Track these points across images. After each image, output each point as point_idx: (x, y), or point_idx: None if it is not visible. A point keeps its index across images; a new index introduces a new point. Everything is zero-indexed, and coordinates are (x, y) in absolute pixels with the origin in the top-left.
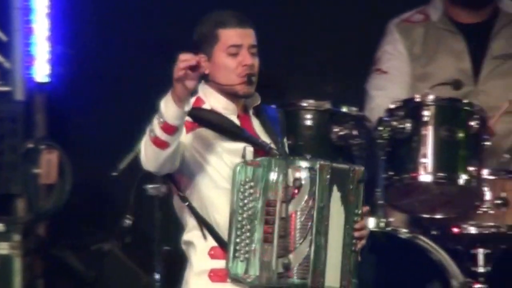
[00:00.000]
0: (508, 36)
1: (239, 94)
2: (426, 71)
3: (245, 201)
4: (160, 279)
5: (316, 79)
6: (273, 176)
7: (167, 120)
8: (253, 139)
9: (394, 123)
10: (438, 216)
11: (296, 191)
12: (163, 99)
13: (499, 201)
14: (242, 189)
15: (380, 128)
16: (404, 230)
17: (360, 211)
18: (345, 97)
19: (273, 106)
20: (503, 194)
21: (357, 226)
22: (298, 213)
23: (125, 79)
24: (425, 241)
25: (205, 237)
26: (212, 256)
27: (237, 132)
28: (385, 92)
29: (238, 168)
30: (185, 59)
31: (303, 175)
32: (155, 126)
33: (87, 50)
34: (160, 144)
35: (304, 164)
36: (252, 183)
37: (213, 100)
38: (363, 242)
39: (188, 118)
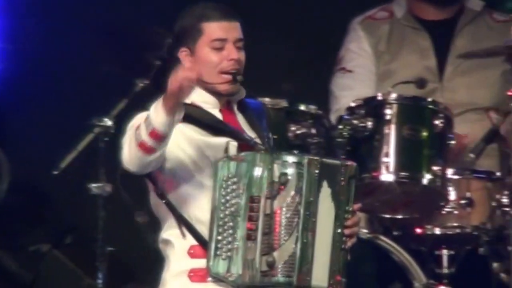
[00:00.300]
0: (472, 33)
1: (222, 94)
2: (390, 68)
3: (228, 197)
4: (103, 281)
5: (273, 76)
6: (257, 171)
7: (155, 127)
8: (236, 134)
9: (355, 121)
10: (400, 217)
11: (282, 186)
12: (153, 105)
13: (464, 201)
14: (224, 185)
15: (340, 126)
16: (365, 231)
17: (351, 208)
18: (305, 96)
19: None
20: (468, 194)
21: (348, 223)
22: (284, 209)
23: (66, 76)
24: (386, 241)
25: (184, 236)
26: (192, 255)
27: (220, 127)
28: (351, 92)
29: (221, 163)
30: (187, 77)
31: (290, 170)
32: (143, 131)
33: (26, 46)
34: (146, 149)
35: (291, 159)
36: (235, 179)
37: (194, 95)
38: (353, 240)
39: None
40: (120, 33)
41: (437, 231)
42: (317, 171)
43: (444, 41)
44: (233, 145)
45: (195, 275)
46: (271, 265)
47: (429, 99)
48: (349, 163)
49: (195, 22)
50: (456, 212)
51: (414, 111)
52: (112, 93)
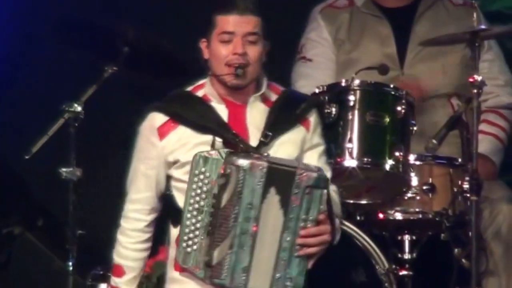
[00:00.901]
0: (431, 19)
1: (227, 85)
2: (351, 57)
3: (198, 191)
4: (73, 264)
5: None
6: (213, 169)
7: None
8: (220, 132)
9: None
10: (363, 202)
11: (222, 187)
12: None
13: (426, 187)
14: (196, 179)
15: None
16: None
17: (311, 217)
18: None
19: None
20: (430, 180)
21: (302, 232)
22: (227, 209)
23: (37, 63)
24: (349, 227)
25: (174, 225)
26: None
27: (205, 125)
28: (311, 81)
29: (197, 158)
30: None
31: (232, 172)
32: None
33: None
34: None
35: (239, 161)
36: (208, 173)
37: (207, 87)
38: (313, 250)
39: (164, 118)
40: (88, 19)
41: (399, 216)
42: (262, 178)
43: (404, 28)
44: (219, 141)
45: (177, 264)
46: (208, 265)
47: (392, 86)
48: (307, 173)
49: (212, 14)
50: (418, 197)
51: (377, 98)
52: (82, 80)
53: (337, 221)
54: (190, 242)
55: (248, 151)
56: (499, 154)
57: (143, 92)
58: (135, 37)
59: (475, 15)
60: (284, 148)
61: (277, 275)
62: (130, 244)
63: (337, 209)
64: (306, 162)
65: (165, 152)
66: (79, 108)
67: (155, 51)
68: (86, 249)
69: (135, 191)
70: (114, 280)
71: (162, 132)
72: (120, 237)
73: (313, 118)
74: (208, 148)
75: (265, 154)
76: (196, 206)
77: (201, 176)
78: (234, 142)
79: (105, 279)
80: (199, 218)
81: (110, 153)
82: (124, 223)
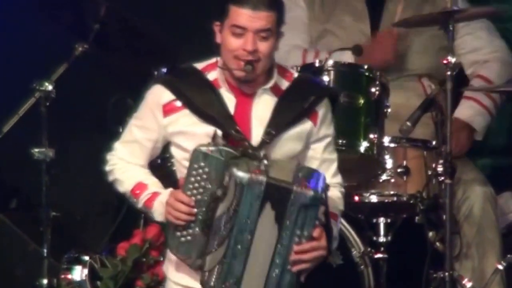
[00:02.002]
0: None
1: (235, 77)
2: (326, 28)
3: (196, 184)
4: (47, 246)
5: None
6: (212, 167)
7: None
8: (224, 125)
9: None
10: None
11: (223, 195)
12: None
13: (400, 170)
14: (194, 173)
15: None
16: None
17: (305, 233)
18: None
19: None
20: (405, 163)
21: (296, 248)
22: (224, 218)
23: (6, 40)
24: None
25: None
26: None
27: (210, 115)
28: (284, 39)
29: (196, 153)
30: (181, 216)
31: (231, 185)
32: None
33: None
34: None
35: (238, 174)
36: (206, 169)
37: (218, 72)
38: (306, 266)
39: (171, 96)
40: None
41: (374, 199)
42: (260, 193)
43: (378, 5)
44: (219, 133)
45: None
46: (201, 268)
47: (365, 66)
48: (303, 191)
49: (227, 2)
50: (392, 180)
51: (351, 78)
52: (53, 57)
53: (335, 230)
54: (184, 232)
55: (248, 150)
56: (480, 119)
57: (114, 70)
58: (107, 14)
59: None
60: (287, 143)
61: None
62: (126, 166)
63: (337, 210)
64: (309, 155)
65: (167, 131)
66: (50, 87)
67: (127, 28)
68: (60, 231)
69: (127, 153)
70: (140, 197)
71: (166, 110)
72: (114, 172)
73: (322, 110)
74: (209, 139)
75: (264, 161)
76: (193, 199)
77: (200, 171)
78: (236, 139)
79: (80, 262)
80: (195, 211)
81: (82, 132)
82: (110, 162)
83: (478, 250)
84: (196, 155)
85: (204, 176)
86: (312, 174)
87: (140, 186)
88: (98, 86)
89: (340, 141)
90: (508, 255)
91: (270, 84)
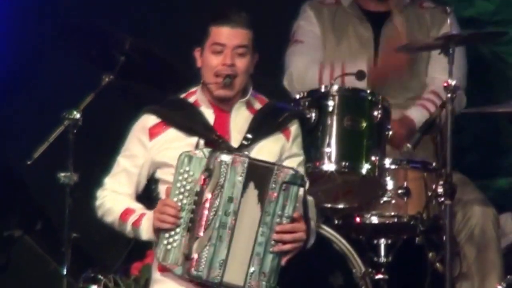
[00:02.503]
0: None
1: (215, 96)
2: (335, 52)
3: (182, 189)
4: (67, 266)
5: None
6: (197, 168)
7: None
8: (205, 134)
9: None
10: (341, 206)
11: (205, 182)
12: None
13: (401, 191)
14: (180, 178)
15: None
16: None
17: (286, 214)
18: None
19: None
20: (405, 184)
21: (277, 228)
22: (207, 204)
23: (37, 69)
24: (328, 230)
25: None
26: None
27: (191, 127)
28: (302, 56)
29: (182, 157)
30: (167, 218)
31: (215, 167)
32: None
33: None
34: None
35: (221, 156)
36: (191, 172)
37: (198, 94)
38: (287, 246)
39: (156, 119)
40: (85, 29)
41: (375, 220)
42: (243, 172)
43: (379, 32)
44: (202, 142)
45: (159, 264)
46: (187, 257)
47: (368, 91)
48: (286, 169)
49: (207, 24)
50: (393, 201)
51: (354, 103)
52: (81, 88)
53: (312, 223)
54: (170, 240)
55: (229, 151)
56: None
57: (139, 100)
58: (131, 46)
59: (449, 20)
60: (264, 153)
61: (251, 269)
62: (116, 196)
63: (312, 213)
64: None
65: (153, 153)
66: (78, 116)
67: (150, 60)
68: (79, 252)
69: (116, 184)
70: (129, 220)
71: (152, 132)
72: (104, 204)
73: (293, 128)
74: (193, 148)
75: (245, 153)
76: (179, 204)
77: (185, 175)
78: (217, 143)
79: (96, 281)
80: (181, 215)
81: (106, 159)
82: (100, 197)
83: (479, 271)
84: (182, 160)
85: (190, 180)
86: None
87: (128, 211)
88: (123, 115)
89: (343, 163)
90: (509, 276)
91: (246, 98)
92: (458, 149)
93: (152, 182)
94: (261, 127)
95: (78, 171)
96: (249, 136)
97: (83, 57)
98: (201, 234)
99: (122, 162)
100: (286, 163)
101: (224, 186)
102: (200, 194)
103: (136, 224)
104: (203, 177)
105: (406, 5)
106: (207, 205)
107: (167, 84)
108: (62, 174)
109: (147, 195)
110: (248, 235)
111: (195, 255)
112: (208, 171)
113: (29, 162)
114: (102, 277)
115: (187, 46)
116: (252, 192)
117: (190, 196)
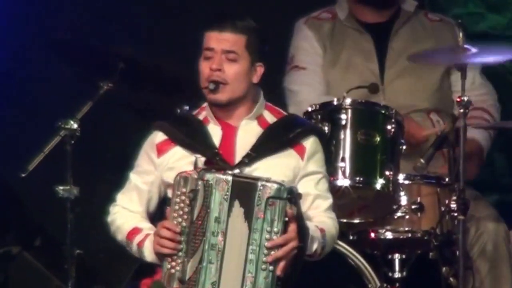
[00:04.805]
0: (408, 35)
1: (210, 102)
2: (335, 66)
3: (180, 212)
4: (71, 283)
5: None
6: (193, 187)
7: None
8: (205, 152)
9: None
10: (356, 221)
11: (192, 203)
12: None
13: (414, 206)
14: (178, 200)
15: None
16: None
17: (276, 229)
18: None
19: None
20: (419, 199)
21: (267, 244)
22: (195, 226)
23: (32, 80)
24: (343, 246)
25: None
26: None
27: (194, 146)
28: (309, 87)
29: (177, 178)
30: (166, 242)
31: (200, 187)
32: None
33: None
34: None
35: (206, 176)
36: (188, 193)
37: (207, 110)
38: (281, 261)
39: (164, 136)
40: (84, 38)
41: (390, 235)
42: (228, 191)
43: (383, 44)
44: (201, 160)
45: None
46: (182, 281)
47: (382, 104)
48: (269, 184)
49: (203, 31)
50: (407, 217)
51: (368, 116)
52: (78, 97)
53: (315, 228)
54: (173, 263)
55: (224, 169)
56: (487, 140)
57: (139, 109)
58: (131, 53)
59: (461, 34)
60: (273, 170)
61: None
62: (126, 213)
63: (331, 228)
64: (302, 191)
65: (161, 170)
66: (75, 125)
67: (150, 67)
68: (83, 268)
69: (127, 201)
70: (134, 239)
71: (160, 149)
72: (115, 220)
73: (309, 144)
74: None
75: (237, 171)
76: (179, 227)
77: (182, 197)
78: (214, 161)
79: None
80: (182, 239)
81: (107, 170)
82: (112, 212)
83: (491, 285)
84: (177, 181)
85: (187, 202)
86: (280, 180)
87: (135, 231)
88: (123, 124)
89: (357, 178)
90: None
91: (251, 114)
92: None
93: (164, 202)
94: (267, 144)
95: (78, 184)
96: (251, 153)
97: (80, 65)
98: (193, 255)
99: (134, 178)
100: (303, 182)
101: (210, 206)
102: (189, 214)
103: (140, 244)
104: (190, 197)
105: (411, 16)
106: (196, 226)
107: (168, 93)
108: (61, 188)
109: (161, 216)
110: (238, 255)
111: (189, 278)
112: (193, 192)
113: (23, 175)
114: None
115: (192, 54)
116: (238, 210)
117: (188, 219)
